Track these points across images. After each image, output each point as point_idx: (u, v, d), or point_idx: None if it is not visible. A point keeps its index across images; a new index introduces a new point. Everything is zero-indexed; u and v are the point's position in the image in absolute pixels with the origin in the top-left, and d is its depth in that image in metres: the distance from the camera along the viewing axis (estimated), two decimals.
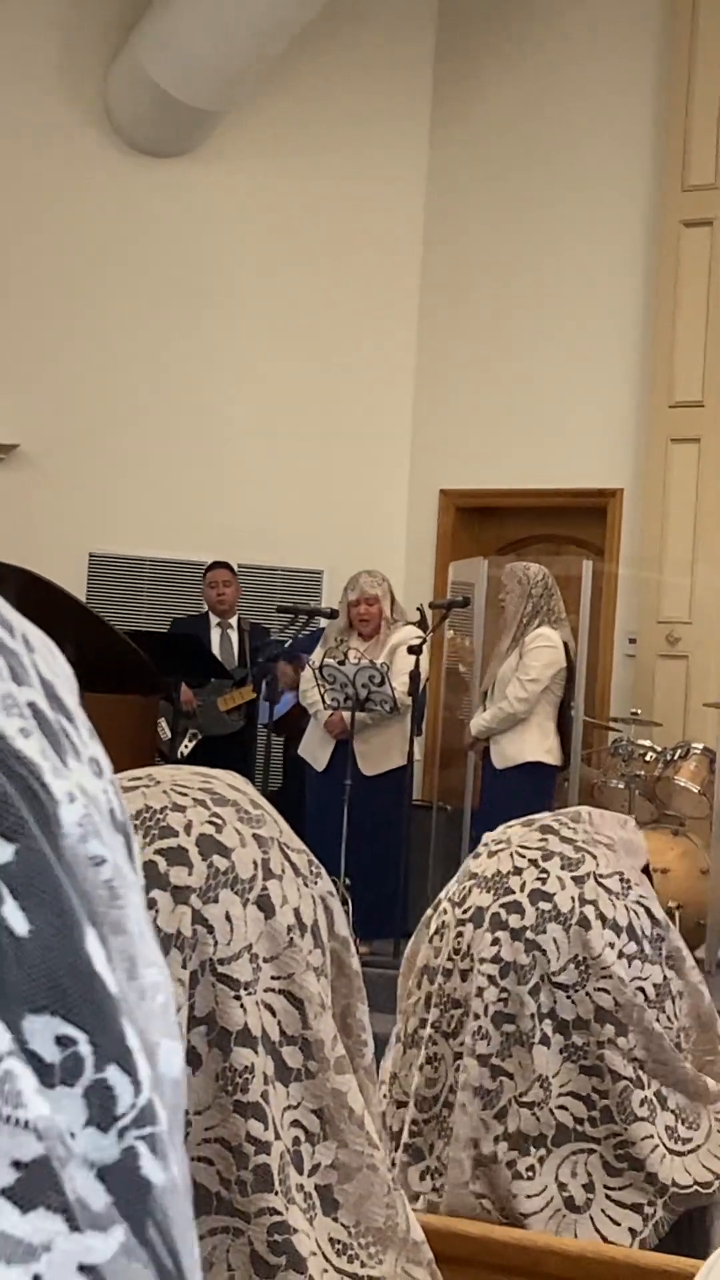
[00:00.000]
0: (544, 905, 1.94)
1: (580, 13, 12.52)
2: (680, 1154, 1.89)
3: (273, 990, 1.31)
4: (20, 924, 0.51)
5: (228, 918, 1.31)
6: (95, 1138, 0.52)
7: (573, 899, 1.94)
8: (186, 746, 11.15)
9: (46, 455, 12.45)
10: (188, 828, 1.35)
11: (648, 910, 1.98)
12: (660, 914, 1.99)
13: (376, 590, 10.09)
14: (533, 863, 1.97)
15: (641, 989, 1.93)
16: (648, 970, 1.94)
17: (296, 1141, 1.30)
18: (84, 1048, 0.52)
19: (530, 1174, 1.89)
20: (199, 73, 11.92)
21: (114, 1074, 0.53)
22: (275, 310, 12.87)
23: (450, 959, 1.96)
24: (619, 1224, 1.87)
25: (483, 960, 1.93)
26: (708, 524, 11.62)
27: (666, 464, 11.81)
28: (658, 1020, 1.93)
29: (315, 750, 10.18)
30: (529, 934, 1.92)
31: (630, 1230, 1.87)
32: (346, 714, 9.82)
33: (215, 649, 11.53)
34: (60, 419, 12.48)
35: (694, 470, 11.69)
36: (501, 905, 1.94)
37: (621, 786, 10.46)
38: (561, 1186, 1.88)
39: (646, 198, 12.17)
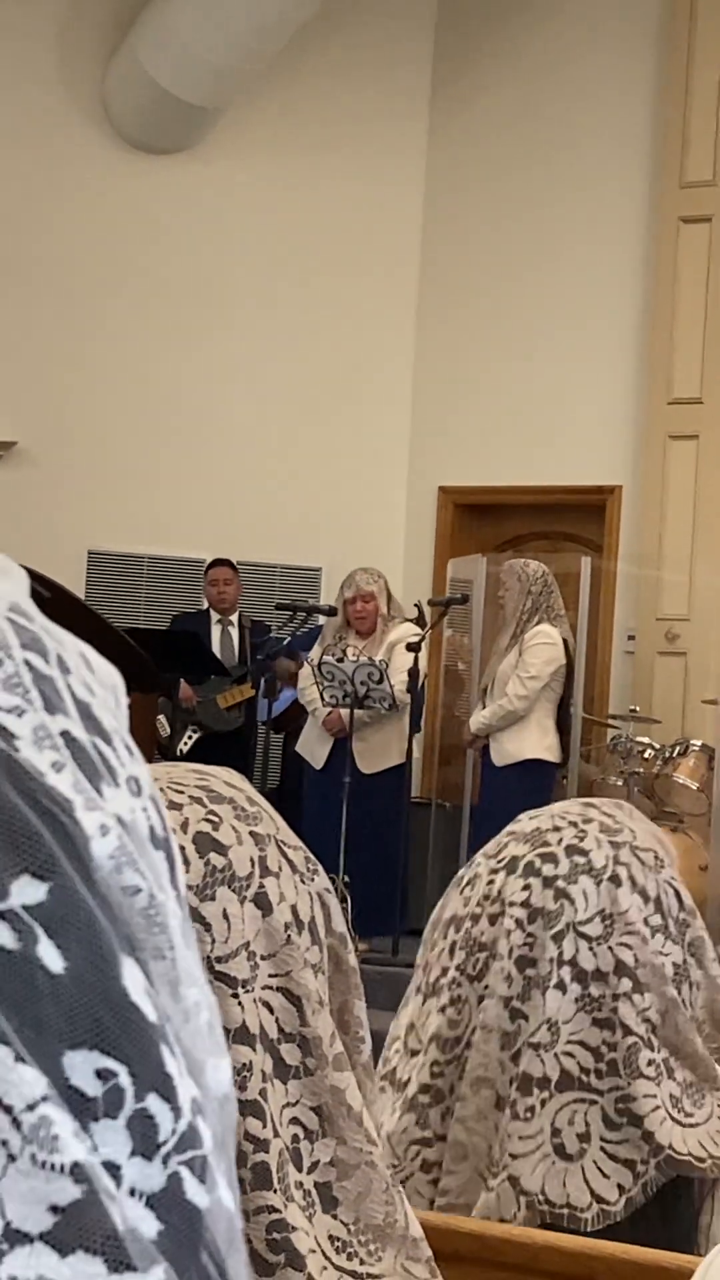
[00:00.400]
0: (578, 859, 1.95)
1: (578, 11, 12.52)
2: (681, 1124, 1.89)
3: (270, 988, 1.31)
4: (55, 961, 0.52)
5: (225, 916, 1.31)
6: (142, 1167, 0.53)
7: (608, 857, 1.95)
8: (186, 743, 11.16)
9: (45, 453, 12.45)
10: (184, 825, 1.35)
11: (677, 893, 1.99)
12: (689, 901, 2.00)
13: (372, 587, 10.09)
14: (572, 824, 1.99)
15: (663, 962, 1.94)
16: (670, 948, 1.95)
17: (295, 1139, 1.30)
18: (124, 1079, 0.53)
19: (528, 1115, 1.89)
20: (197, 70, 11.92)
21: (154, 1102, 0.54)
22: (274, 308, 12.87)
23: (480, 904, 1.97)
24: (608, 1177, 1.87)
25: (511, 904, 1.94)
26: (706, 521, 11.62)
27: (665, 461, 11.82)
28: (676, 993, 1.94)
29: (314, 748, 10.19)
30: (560, 882, 1.94)
31: (619, 1186, 1.86)
32: (345, 712, 9.82)
33: (215, 646, 11.53)
34: (58, 416, 12.48)
35: (692, 467, 11.70)
36: (537, 855, 1.96)
37: (620, 783, 10.47)
38: (555, 1132, 1.88)
39: (645, 195, 12.17)
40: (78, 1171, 0.50)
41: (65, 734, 0.56)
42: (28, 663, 0.56)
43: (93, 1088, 0.52)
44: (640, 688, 11.72)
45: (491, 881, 1.98)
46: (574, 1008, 1.90)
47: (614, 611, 12.08)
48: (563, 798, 10.57)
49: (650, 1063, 1.89)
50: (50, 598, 9.41)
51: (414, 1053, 1.99)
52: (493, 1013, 1.93)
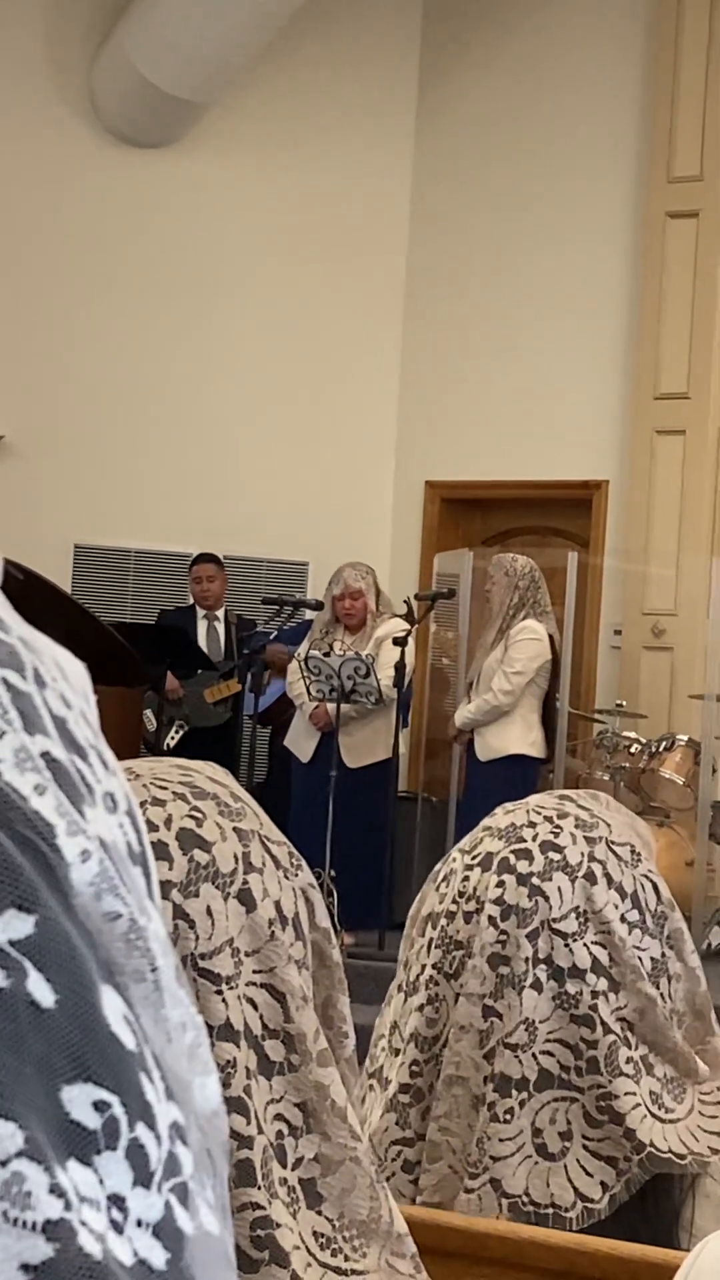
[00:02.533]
0: (553, 855, 1.95)
1: (566, 5, 12.52)
2: (661, 1120, 1.89)
3: (255, 984, 1.31)
4: (46, 996, 0.52)
5: (209, 912, 1.31)
6: (144, 1196, 0.53)
7: (583, 854, 1.96)
8: (173, 738, 11.15)
9: (31, 446, 12.43)
10: (168, 822, 1.35)
11: (655, 886, 1.99)
12: (666, 894, 2.00)
13: (361, 584, 10.09)
14: (548, 819, 1.99)
15: (639, 958, 1.94)
16: (647, 943, 1.95)
17: (280, 1135, 1.30)
18: (118, 1109, 0.53)
19: (508, 1117, 1.89)
20: (185, 63, 11.90)
21: (142, 1131, 0.53)
22: (261, 302, 12.86)
23: (455, 902, 1.97)
24: (592, 1176, 1.87)
25: (486, 902, 1.94)
26: (693, 516, 11.63)
27: (652, 456, 11.82)
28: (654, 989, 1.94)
29: (300, 742, 10.18)
30: (535, 880, 1.94)
31: (602, 1184, 1.87)
32: (331, 706, 9.82)
33: (202, 641, 11.52)
34: (45, 410, 12.46)
35: (679, 462, 11.70)
36: (511, 851, 1.96)
37: (606, 778, 10.47)
38: (536, 1132, 1.88)
39: (632, 189, 12.18)
40: (50, 1229, 0.50)
41: (46, 755, 0.55)
42: (5, 681, 0.55)
43: (92, 1120, 0.52)
44: (626, 682, 11.73)
45: (466, 878, 1.98)
46: (551, 1006, 1.91)
47: (600, 606, 12.08)
48: None
49: (629, 1060, 1.90)
50: (31, 589, 9.37)
51: (397, 1051, 1.99)
52: (466, 1011, 1.93)
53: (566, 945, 1.92)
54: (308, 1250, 1.28)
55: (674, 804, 10.32)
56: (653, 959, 1.96)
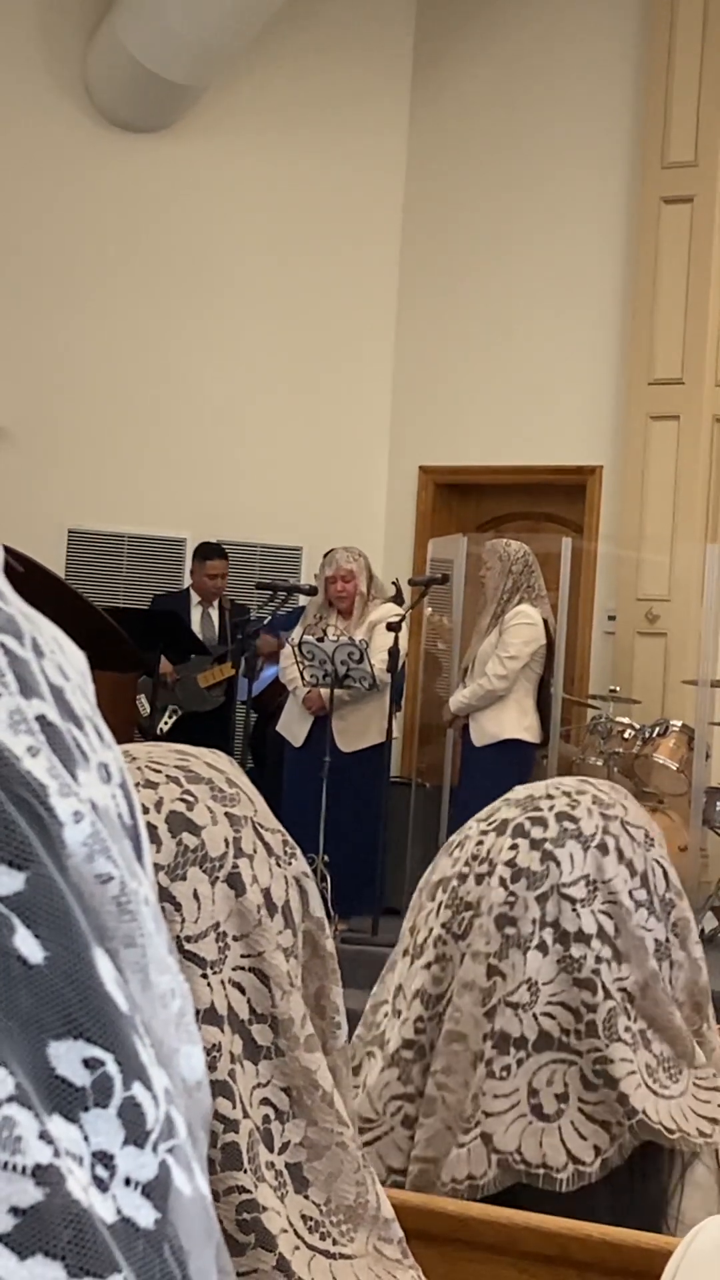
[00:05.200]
0: (568, 825, 1.97)
1: None
2: (655, 1094, 1.90)
3: (242, 968, 1.31)
4: (34, 952, 0.52)
5: (195, 896, 1.31)
6: (135, 1155, 0.53)
7: (597, 827, 1.98)
8: (166, 723, 11.15)
9: (24, 431, 12.42)
10: (158, 804, 1.34)
11: (665, 873, 2.02)
12: (676, 882, 2.03)
13: (352, 565, 10.09)
14: (566, 794, 2.01)
15: (644, 937, 1.94)
16: (653, 924, 1.97)
17: (266, 1119, 1.30)
18: (112, 1067, 0.53)
19: (504, 1074, 1.89)
20: (178, 48, 11.88)
21: (139, 1090, 0.53)
22: (255, 287, 12.85)
23: (467, 865, 1.99)
24: (585, 1139, 1.87)
25: (497, 864, 1.96)
26: (686, 501, 11.63)
27: (646, 441, 11.82)
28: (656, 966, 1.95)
29: (293, 727, 10.19)
30: (548, 845, 1.95)
31: (595, 1147, 1.87)
32: (325, 691, 9.82)
33: (196, 626, 11.52)
34: (38, 395, 12.45)
35: (673, 448, 11.70)
36: (527, 818, 1.98)
37: (600, 764, 10.48)
38: (532, 1092, 1.89)
39: (626, 175, 12.16)
40: (40, 1174, 0.50)
41: (41, 718, 0.56)
42: (3, 646, 0.56)
43: (80, 1077, 0.52)
44: (620, 668, 11.73)
45: (480, 842, 2.00)
46: (555, 969, 1.92)
47: (594, 592, 12.08)
48: (542, 778, 10.60)
49: (627, 1029, 1.90)
50: (25, 574, 9.40)
51: (399, 1013, 2.00)
52: (470, 969, 1.94)
53: (574, 910, 1.93)
54: (295, 1233, 1.28)
55: (667, 789, 10.33)
56: (656, 941, 1.96)
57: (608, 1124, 1.88)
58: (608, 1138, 1.88)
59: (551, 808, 1.98)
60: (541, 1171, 1.86)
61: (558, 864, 1.94)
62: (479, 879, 1.97)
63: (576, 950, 1.91)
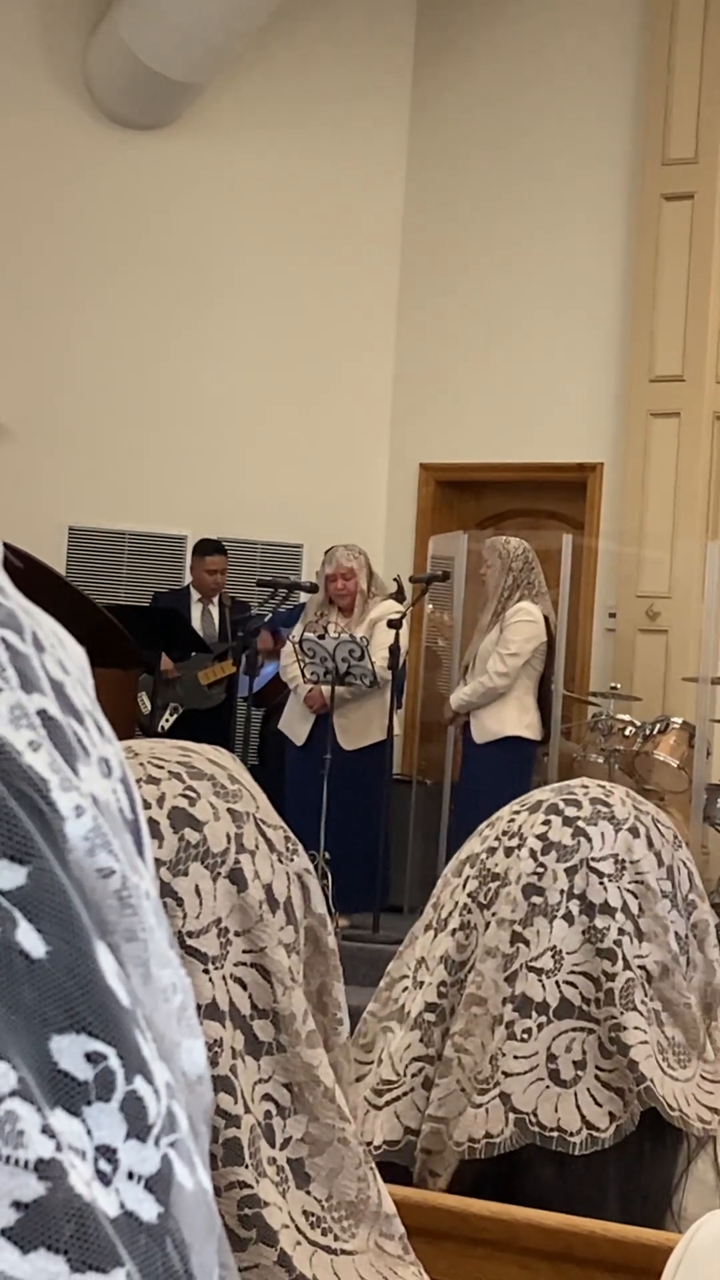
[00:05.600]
0: (602, 807, 2.01)
1: None
2: (663, 1070, 1.91)
3: (244, 964, 1.31)
4: (37, 946, 0.52)
5: (197, 891, 1.31)
6: (138, 1149, 0.53)
7: (630, 813, 2.01)
8: (168, 720, 11.15)
9: (25, 428, 12.42)
10: (160, 800, 1.35)
11: (690, 873, 2.04)
12: (699, 884, 2.06)
13: (352, 563, 10.09)
14: (601, 786, 2.06)
15: (667, 923, 1.97)
16: (675, 918, 2.00)
17: (268, 1115, 1.30)
18: (114, 1061, 0.53)
19: (525, 1036, 1.91)
20: (179, 45, 11.89)
21: (141, 1084, 0.54)
22: (256, 284, 12.85)
23: (498, 840, 2.02)
24: (600, 1106, 1.89)
25: (528, 837, 1.99)
26: (687, 499, 11.63)
27: (646, 438, 11.82)
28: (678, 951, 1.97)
29: (295, 725, 10.19)
30: (580, 822, 1.99)
31: (610, 1114, 1.89)
32: (326, 688, 9.83)
33: (196, 624, 11.53)
34: (38, 392, 12.45)
35: (674, 445, 11.70)
36: (561, 799, 2.02)
37: (601, 761, 10.48)
38: (551, 1058, 1.91)
39: (627, 172, 12.16)
40: (42, 1168, 0.50)
41: (42, 713, 0.56)
42: (4, 640, 0.56)
43: (83, 1072, 0.52)
44: (621, 665, 11.74)
45: (513, 820, 2.03)
46: (579, 939, 1.94)
47: (595, 589, 12.09)
48: (543, 775, 10.63)
49: (643, 1002, 1.92)
50: (26, 571, 9.38)
51: (421, 984, 2.01)
52: (495, 935, 1.96)
53: (601, 884, 1.95)
54: (297, 1229, 1.28)
55: (668, 787, 10.33)
56: (677, 934, 1.98)
57: (621, 1091, 1.90)
58: (621, 1104, 1.90)
59: (586, 793, 2.03)
60: (556, 1134, 1.88)
61: (589, 840, 1.97)
62: (508, 852, 2.00)
63: (601, 921, 1.94)
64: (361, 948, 8.54)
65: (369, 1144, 1.87)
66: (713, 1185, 1.95)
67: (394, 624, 9.71)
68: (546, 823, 1.99)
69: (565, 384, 12.29)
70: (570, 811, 2.00)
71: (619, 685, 11.12)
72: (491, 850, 2.01)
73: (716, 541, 10.70)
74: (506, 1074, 1.90)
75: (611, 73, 12.28)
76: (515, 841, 1.99)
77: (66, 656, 0.59)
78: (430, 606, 11.51)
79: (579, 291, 12.29)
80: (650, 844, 1.99)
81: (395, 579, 10.50)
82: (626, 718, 10.65)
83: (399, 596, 10.32)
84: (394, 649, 9.71)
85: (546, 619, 10.00)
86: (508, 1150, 1.89)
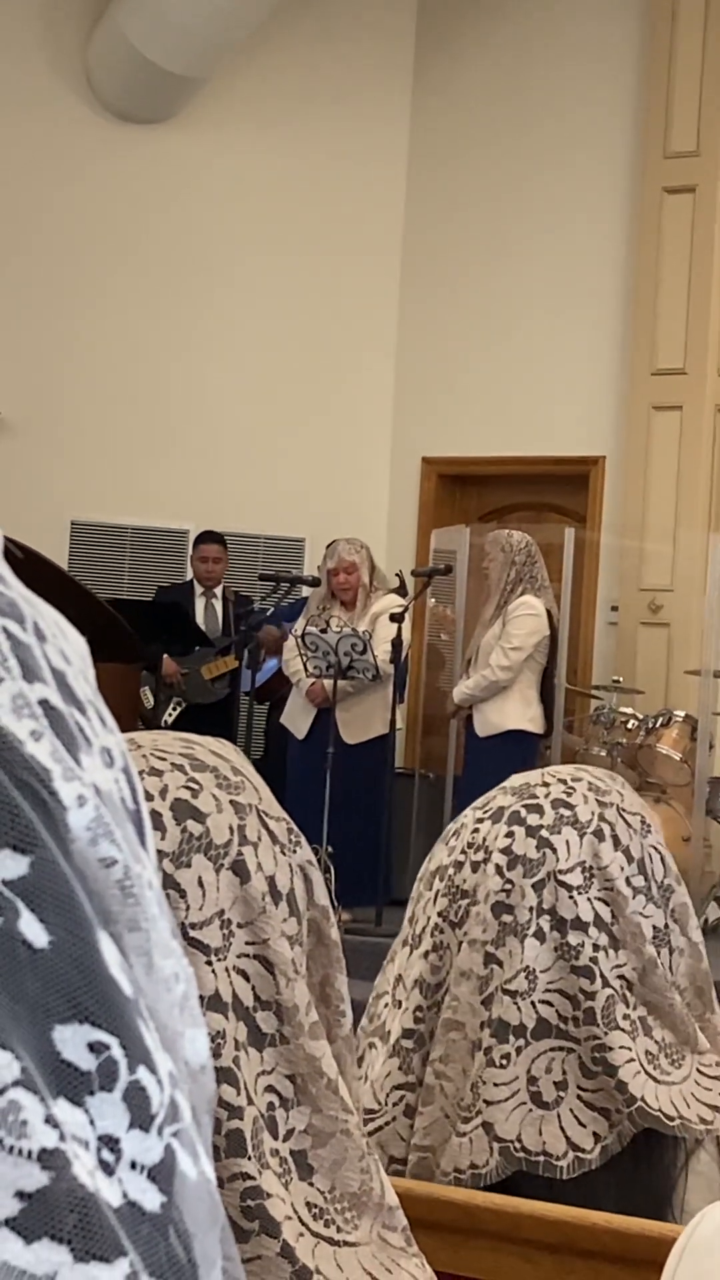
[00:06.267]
0: (564, 811, 1.97)
1: None
2: (656, 1080, 1.90)
3: (247, 955, 1.31)
4: (39, 936, 0.52)
5: (199, 883, 1.31)
6: (141, 1139, 0.53)
7: (593, 813, 1.98)
8: (171, 715, 11.15)
9: (27, 423, 12.42)
10: (163, 792, 1.35)
11: (662, 859, 2.01)
12: (674, 868, 2.02)
13: (354, 558, 10.09)
14: (561, 781, 2.01)
15: (641, 923, 1.95)
16: (651, 910, 1.97)
17: (271, 1107, 1.30)
18: (117, 1051, 0.53)
19: (504, 1063, 1.89)
20: (180, 39, 11.88)
21: (144, 1074, 0.54)
22: (257, 278, 12.84)
23: (464, 852, 1.99)
24: (585, 1126, 1.88)
25: (493, 851, 1.96)
26: (689, 492, 11.63)
27: (649, 431, 11.82)
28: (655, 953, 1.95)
29: (297, 719, 10.19)
30: (544, 832, 1.95)
31: (595, 1134, 1.88)
32: (327, 682, 9.82)
33: (200, 618, 11.52)
34: (40, 386, 12.45)
35: (676, 438, 11.70)
36: (523, 805, 1.98)
37: (604, 754, 10.49)
38: (531, 1080, 1.89)
39: (629, 165, 12.16)
40: (45, 1158, 0.50)
41: (44, 702, 0.56)
42: (5, 630, 0.56)
43: (86, 1061, 0.52)
44: (623, 658, 11.74)
45: (476, 830, 2.00)
46: (552, 956, 1.92)
47: (597, 582, 12.09)
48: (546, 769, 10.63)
49: (625, 1017, 1.91)
50: (28, 565, 9.37)
51: (400, 1003, 2.00)
52: (468, 957, 1.94)
53: (571, 897, 1.93)
54: (299, 1220, 1.28)
55: (671, 780, 10.33)
56: (655, 927, 1.97)
57: (607, 1111, 1.88)
58: (607, 1125, 1.88)
59: (547, 795, 1.98)
60: (542, 1159, 1.87)
61: (554, 850, 1.94)
62: (475, 866, 1.97)
63: (574, 938, 1.91)
64: (364, 941, 8.53)
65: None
66: (715, 1178, 1.95)
67: (396, 618, 9.71)
68: (510, 835, 1.96)
69: (567, 377, 12.28)
70: (533, 820, 1.96)
71: (621, 679, 11.12)
72: (459, 865, 1.98)
73: (718, 534, 10.69)
74: (488, 1102, 1.88)
75: (612, 65, 12.27)
76: (481, 855, 1.96)
77: (68, 646, 0.59)
78: (432, 600, 11.50)
79: (581, 285, 12.28)
80: (617, 842, 1.96)
81: (397, 573, 10.50)
82: (629, 711, 10.65)
83: (401, 591, 10.32)
84: (396, 643, 9.71)
85: (549, 612, 9.99)
86: (495, 1180, 1.88)
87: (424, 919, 2.01)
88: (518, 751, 9.81)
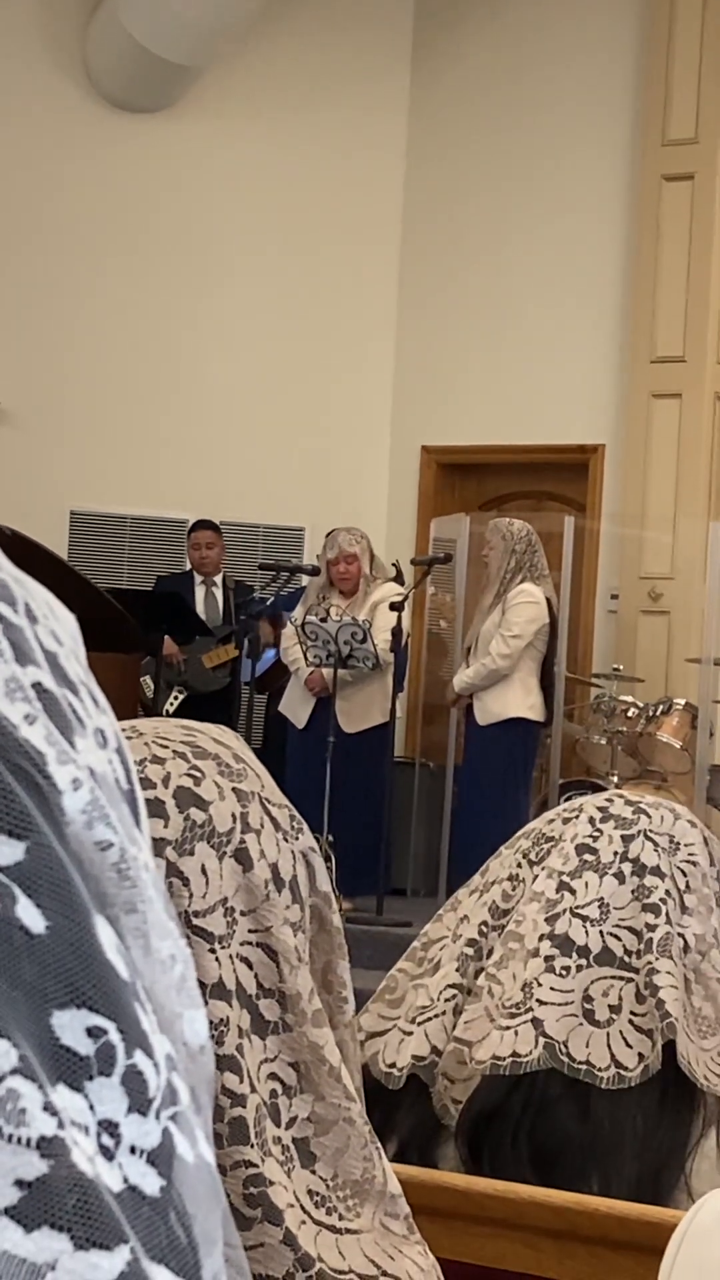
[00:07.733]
0: (664, 805, 2.09)
1: None
2: (687, 1024, 1.96)
3: (250, 943, 1.31)
4: (36, 921, 0.52)
5: (203, 871, 1.31)
6: (139, 1123, 0.53)
7: (689, 815, 2.11)
8: (172, 704, 11.15)
9: (27, 412, 12.41)
10: (166, 780, 1.34)
11: None
12: None
13: (354, 548, 10.09)
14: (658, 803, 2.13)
15: (707, 910, 2.05)
16: (716, 906, 2.07)
17: (274, 1094, 1.30)
18: (114, 1035, 0.53)
19: (564, 973, 1.97)
20: (178, 28, 11.86)
21: (140, 1058, 0.54)
22: (256, 267, 12.83)
23: (557, 814, 2.10)
24: (630, 1047, 1.94)
25: (588, 808, 2.07)
26: (689, 480, 11.62)
27: (648, 419, 11.81)
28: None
29: (296, 708, 10.19)
30: (642, 805, 2.07)
31: (639, 1055, 1.94)
32: (327, 671, 9.82)
33: (199, 607, 11.52)
34: (41, 376, 12.44)
35: (675, 426, 11.69)
36: (621, 795, 2.11)
37: (604, 742, 10.49)
38: (587, 999, 1.96)
39: (627, 153, 12.14)
40: (44, 1145, 0.50)
41: (37, 685, 0.56)
42: None
43: (85, 1046, 0.52)
44: (623, 646, 11.73)
45: (571, 799, 2.15)
46: (628, 897, 2.00)
47: (597, 570, 12.08)
48: (546, 757, 10.60)
49: (678, 957, 1.98)
50: (26, 555, 9.38)
51: (459, 939, 2.06)
52: (543, 883, 2.02)
53: (656, 851, 2.02)
54: (302, 1208, 1.28)
55: (671, 768, 10.33)
56: (717, 930, 2.04)
57: (650, 1033, 1.94)
58: (650, 1045, 1.94)
59: (648, 799, 2.11)
60: (585, 1067, 1.92)
61: (649, 816, 2.04)
62: (565, 819, 2.07)
63: (650, 882, 2.00)
64: (365, 930, 8.54)
65: (393, 1065, 1.95)
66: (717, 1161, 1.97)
67: (396, 607, 9.71)
68: (609, 800, 2.07)
69: (566, 366, 12.27)
70: (632, 797, 2.07)
71: (621, 667, 11.12)
72: (550, 820, 2.08)
73: (718, 522, 10.68)
74: (541, 1002, 1.94)
75: (611, 54, 12.25)
76: (575, 812, 2.06)
77: (59, 626, 0.59)
78: (432, 589, 11.50)
79: (580, 273, 12.27)
80: (707, 842, 2.06)
81: (394, 563, 10.49)
82: (629, 699, 10.65)
83: (400, 579, 10.31)
84: (396, 632, 9.71)
85: (549, 601, 9.99)
86: (534, 1070, 1.91)
87: (500, 870, 2.08)
88: (518, 740, 9.82)
